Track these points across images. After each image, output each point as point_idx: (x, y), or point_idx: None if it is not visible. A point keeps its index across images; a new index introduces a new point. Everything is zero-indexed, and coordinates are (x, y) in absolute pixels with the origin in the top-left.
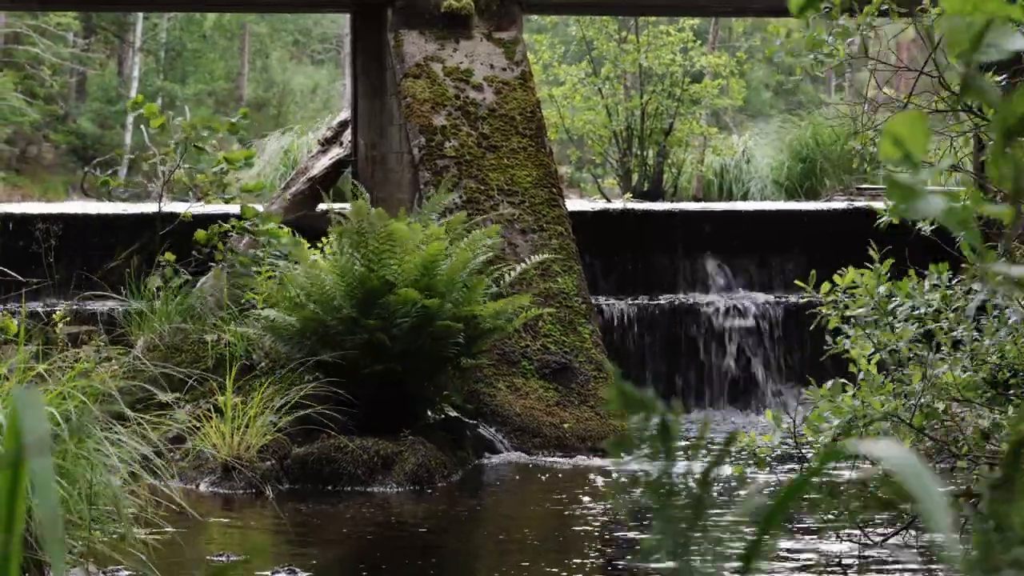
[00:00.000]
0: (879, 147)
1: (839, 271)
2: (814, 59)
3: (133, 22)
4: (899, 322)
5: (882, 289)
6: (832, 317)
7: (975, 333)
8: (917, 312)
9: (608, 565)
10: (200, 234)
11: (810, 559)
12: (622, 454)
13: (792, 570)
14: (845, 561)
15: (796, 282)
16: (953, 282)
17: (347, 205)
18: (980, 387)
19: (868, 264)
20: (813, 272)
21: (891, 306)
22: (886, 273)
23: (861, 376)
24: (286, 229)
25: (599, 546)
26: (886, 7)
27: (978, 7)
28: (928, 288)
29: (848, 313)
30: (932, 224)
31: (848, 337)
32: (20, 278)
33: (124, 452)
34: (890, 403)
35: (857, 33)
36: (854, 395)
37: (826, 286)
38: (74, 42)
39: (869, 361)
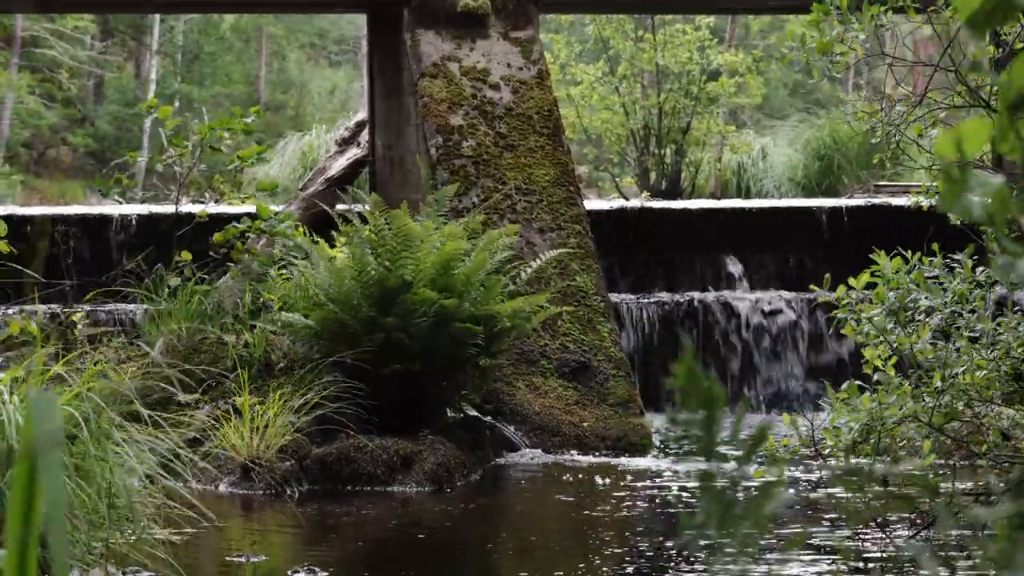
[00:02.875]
0: (936, 143)
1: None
2: (829, 62)
3: (150, 25)
4: (919, 314)
5: (892, 295)
6: (848, 323)
7: (995, 327)
8: (934, 306)
9: (629, 564)
10: (218, 237)
11: (831, 558)
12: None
13: (813, 571)
14: (867, 559)
15: (811, 287)
16: (978, 272)
17: (357, 206)
18: (1003, 381)
19: (875, 260)
20: (828, 276)
21: (907, 300)
22: (896, 273)
23: (876, 378)
24: (301, 229)
25: (619, 545)
26: (901, 4)
27: None
28: (954, 281)
29: (862, 316)
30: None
31: (863, 339)
32: (39, 278)
33: (142, 453)
34: (908, 405)
35: (864, 31)
36: (872, 397)
37: (841, 289)
38: (91, 45)
39: (885, 363)
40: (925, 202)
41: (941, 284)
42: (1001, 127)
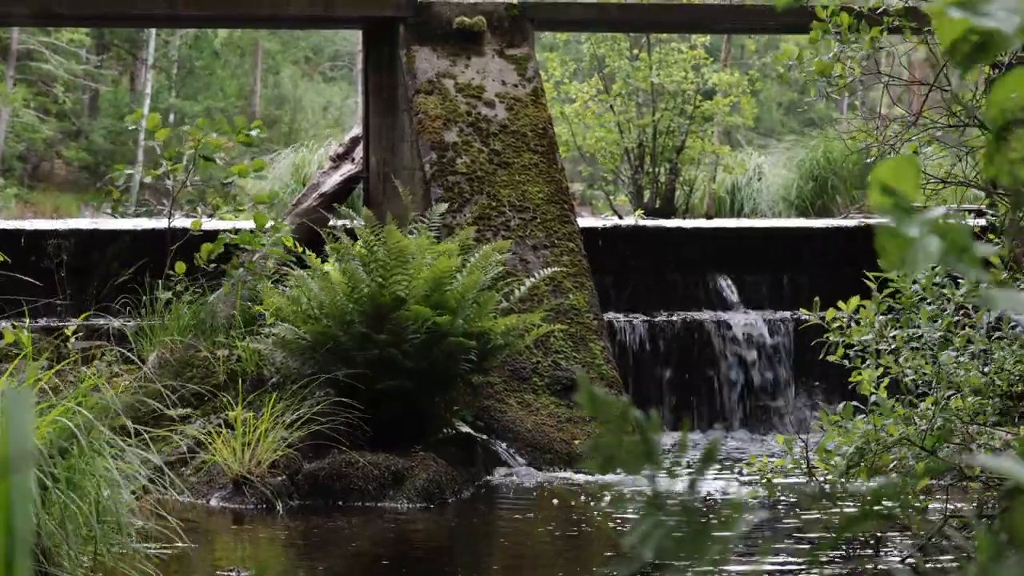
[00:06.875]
0: (871, 197)
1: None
2: (827, 83)
3: (146, 39)
4: (913, 335)
5: (881, 318)
6: (839, 347)
7: (992, 343)
8: (922, 332)
9: None
10: (202, 254)
11: None
12: (598, 464)
13: None
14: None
15: (802, 311)
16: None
17: (346, 222)
18: (994, 397)
19: (870, 279)
20: (817, 299)
21: (894, 334)
22: (883, 300)
23: (873, 400)
24: (289, 240)
25: (609, 563)
26: (897, 24)
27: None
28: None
29: (851, 340)
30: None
31: (851, 361)
32: (37, 282)
33: (132, 467)
34: (901, 427)
35: (863, 51)
36: (866, 420)
37: (831, 312)
38: (87, 59)
39: (878, 386)
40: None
41: (945, 296)
42: (988, 151)
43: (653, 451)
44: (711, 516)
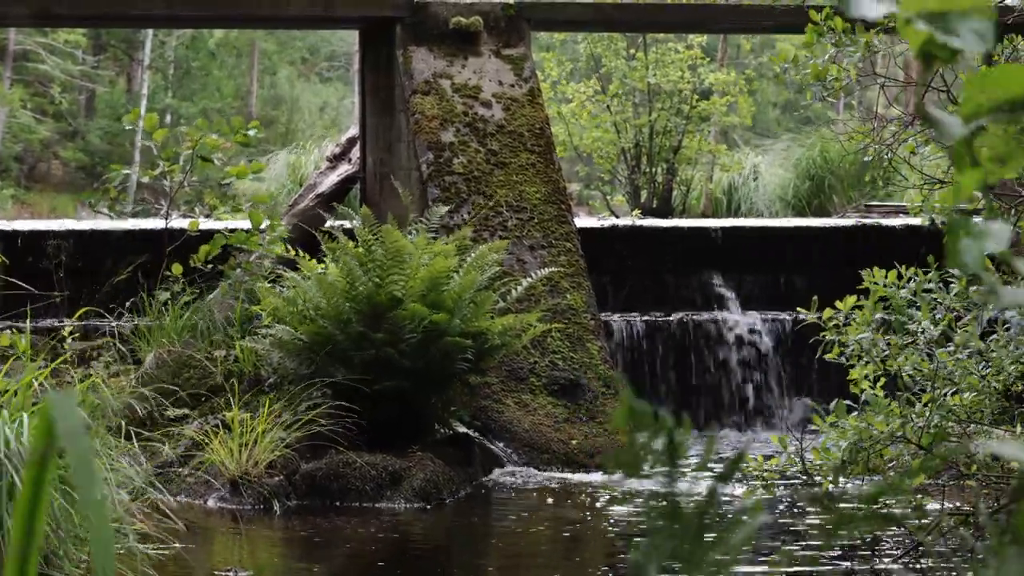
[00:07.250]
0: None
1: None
2: (823, 86)
3: (142, 39)
4: (909, 334)
5: (878, 316)
6: (835, 346)
7: (988, 345)
8: (923, 328)
9: None
10: (199, 256)
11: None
12: (626, 470)
13: None
14: None
15: (799, 310)
16: (971, 290)
17: (344, 222)
18: (992, 399)
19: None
20: (815, 298)
21: (899, 317)
22: (879, 300)
23: (865, 398)
24: (283, 245)
25: (606, 563)
26: (892, 25)
27: None
28: (947, 296)
29: (847, 339)
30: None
31: (847, 358)
32: (33, 291)
33: (131, 467)
34: (896, 424)
35: (858, 53)
36: (859, 417)
37: (828, 311)
38: (83, 59)
39: (874, 384)
40: (918, 220)
41: (936, 300)
42: (957, 151)
43: (680, 456)
44: (707, 518)
